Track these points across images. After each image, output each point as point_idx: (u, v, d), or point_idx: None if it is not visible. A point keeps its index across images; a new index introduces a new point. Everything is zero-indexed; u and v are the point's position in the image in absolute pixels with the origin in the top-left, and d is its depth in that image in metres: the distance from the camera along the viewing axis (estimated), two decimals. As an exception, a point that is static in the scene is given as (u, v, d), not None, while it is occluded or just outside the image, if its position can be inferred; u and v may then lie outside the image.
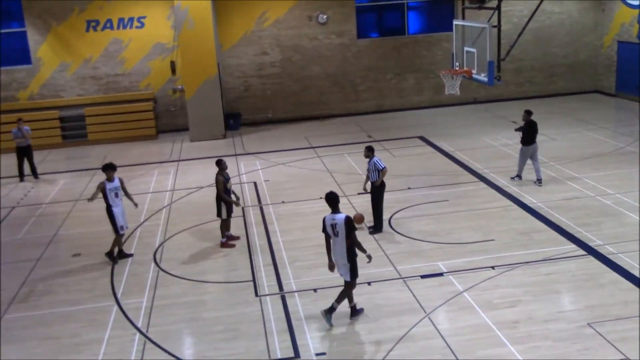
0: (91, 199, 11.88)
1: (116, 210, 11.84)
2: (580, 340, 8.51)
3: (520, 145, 15.00)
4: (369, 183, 12.52)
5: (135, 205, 12.38)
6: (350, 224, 9.12)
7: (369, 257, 9.25)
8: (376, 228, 12.57)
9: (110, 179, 11.84)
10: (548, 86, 24.93)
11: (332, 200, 9.31)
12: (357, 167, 16.99)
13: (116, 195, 11.87)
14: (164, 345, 9.03)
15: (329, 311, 9.24)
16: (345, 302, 9.42)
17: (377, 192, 12.50)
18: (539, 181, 14.82)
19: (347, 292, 9.39)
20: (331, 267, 9.37)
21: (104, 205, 11.84)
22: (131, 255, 12.27)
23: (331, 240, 9.26)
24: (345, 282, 9.32)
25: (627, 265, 10.45)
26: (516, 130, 15.20)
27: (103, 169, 11.99)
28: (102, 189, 11.75)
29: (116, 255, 12.05)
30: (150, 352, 8.92)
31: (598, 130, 19.32)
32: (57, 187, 17.21)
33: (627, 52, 23.24)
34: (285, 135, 21.63)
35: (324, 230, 9.30)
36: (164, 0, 21.74)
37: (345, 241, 9.09)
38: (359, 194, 14.82)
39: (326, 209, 14.05)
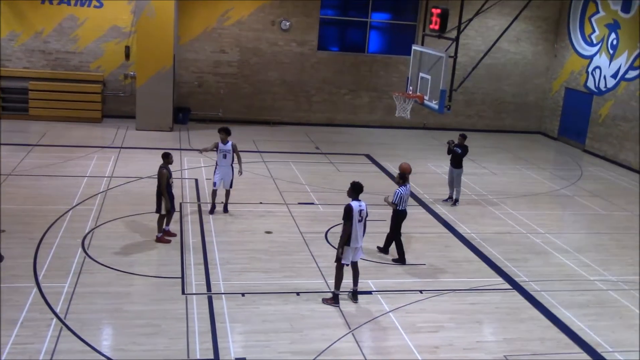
0: (203, 149, 13.84)
1: (218, 169, 13.51)
2: (496, 371, 8.71)
3: (449, 168, 15.70)
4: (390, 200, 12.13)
5: (239, 172, 13.75)
6: None
7: None
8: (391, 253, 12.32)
9: (223, 141, 13.50)
10: (496, 122, 25.62)
11: (360, 188, 10.08)
12: (300, 177, 17.00)
13: (224, 156, 13.53)
14: (81, 334, 8.76)
15: (355, 297, 10.28)
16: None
17: (397, 218, 12.15)
18: (456, 201, 15.63)
19: (358, 272, 10.38)
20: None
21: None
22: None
23: (353, 227, 9.89)
24: (356, 263, 10.31)
25: (548, 303, 10.77)
26: (452, 146, 15.51)
27: (220, 130, 13.58)
28: (216, 146, 13.47)
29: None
30: (66, 339, 8.63)
31: (537, 170, 19.94)
32: (-10, 158, 16.56)
33: (572, 98, 24.13)
34: (233, 136, 21.16)
35: (350, 218, 9.83)
36: (127, -16, 21.36)
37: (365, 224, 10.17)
38: (299, 203, 14.83)
39: (264, 214, 14.04)
